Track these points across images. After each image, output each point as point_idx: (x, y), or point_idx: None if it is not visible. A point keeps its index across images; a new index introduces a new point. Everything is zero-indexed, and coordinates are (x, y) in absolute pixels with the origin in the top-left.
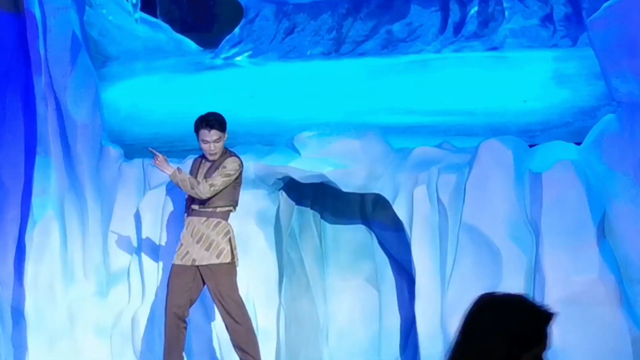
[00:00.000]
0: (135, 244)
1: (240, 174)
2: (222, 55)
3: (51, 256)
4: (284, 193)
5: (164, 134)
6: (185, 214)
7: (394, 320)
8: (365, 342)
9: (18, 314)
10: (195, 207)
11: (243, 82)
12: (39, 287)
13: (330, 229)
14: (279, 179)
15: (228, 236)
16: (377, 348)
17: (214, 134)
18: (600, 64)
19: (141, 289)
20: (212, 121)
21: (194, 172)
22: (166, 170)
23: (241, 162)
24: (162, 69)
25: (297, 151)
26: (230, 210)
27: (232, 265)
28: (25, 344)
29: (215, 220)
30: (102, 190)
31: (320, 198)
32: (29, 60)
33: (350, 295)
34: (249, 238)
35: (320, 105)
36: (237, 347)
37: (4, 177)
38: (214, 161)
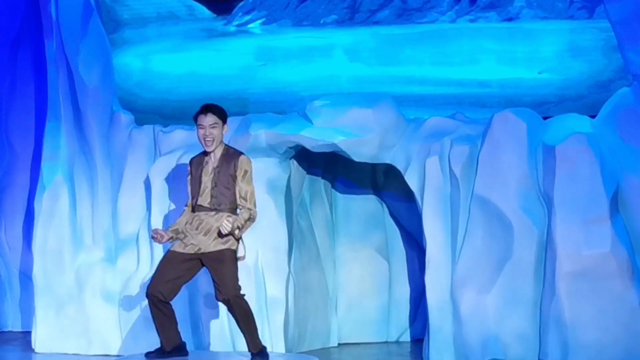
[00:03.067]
0: (144, 210)
1: None
2: (235, 22)
3: (60, 221)
4: (295, 162)
5: (175, 100)
6: (187, 209)
7: (403, 291)
8: (374, 313)
9: (26, 279)
10: (205, 204)
11: (256, 49)
12: (48, 252)
13: (341, 198)
14: (291, 148)
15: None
16: (387, 318)
17: (210, 118)
18: (617, 37)
19: (149, 255)
20: (210, 107)
21: (196, 172)
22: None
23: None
24: (175, 35)
25: (309, 120)
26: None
27: (235, 253)
28: (32, 308)
29: (225, 214)
30: (112, 156)
31: (331, 167)
32: (41, 25)
33: (360, 265)
34: (260, 206)
35: (333, 74)
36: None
37: (14, 141)
38: (221, 163)
